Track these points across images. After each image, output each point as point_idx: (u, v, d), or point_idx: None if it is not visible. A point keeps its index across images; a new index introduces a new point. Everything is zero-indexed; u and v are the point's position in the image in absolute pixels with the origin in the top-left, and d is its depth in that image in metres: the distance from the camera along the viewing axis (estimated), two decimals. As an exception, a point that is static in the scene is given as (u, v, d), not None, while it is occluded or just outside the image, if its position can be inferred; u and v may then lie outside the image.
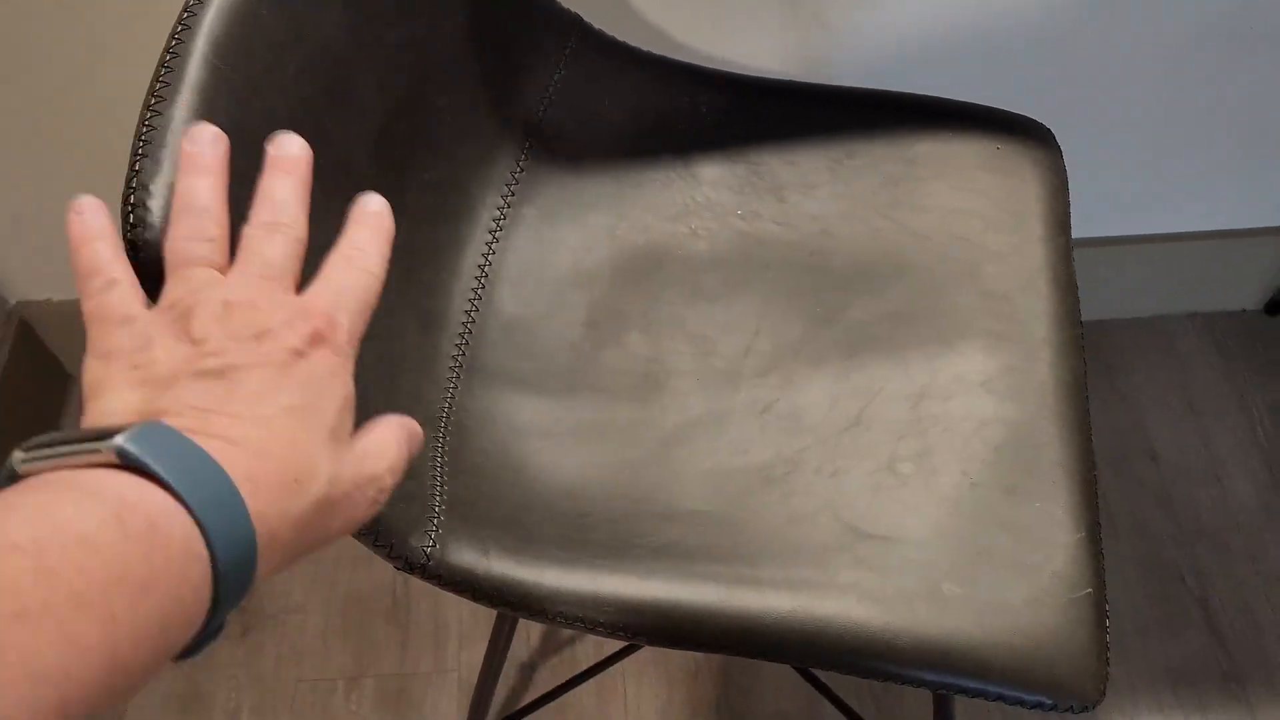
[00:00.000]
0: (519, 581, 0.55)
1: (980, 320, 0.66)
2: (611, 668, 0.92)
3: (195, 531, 0.30)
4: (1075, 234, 0.72)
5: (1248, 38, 0.94)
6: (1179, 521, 1.14)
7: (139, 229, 0.42)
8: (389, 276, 0.42)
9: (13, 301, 1.13)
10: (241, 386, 0.35)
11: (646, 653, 1.04)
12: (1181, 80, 0.98)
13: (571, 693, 0.95)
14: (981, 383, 0.63)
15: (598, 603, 0.54)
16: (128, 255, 0.43)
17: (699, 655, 1.06)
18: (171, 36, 0.47)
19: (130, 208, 0.43)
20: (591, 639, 1.06)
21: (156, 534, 0.29)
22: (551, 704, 0.94)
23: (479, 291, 0.67)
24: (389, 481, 0.39)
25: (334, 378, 0.37)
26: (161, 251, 0.40)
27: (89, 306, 0.38)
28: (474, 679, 1.03)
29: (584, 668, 0.92)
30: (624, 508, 0.60)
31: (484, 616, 1.08)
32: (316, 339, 0.37)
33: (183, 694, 1.04)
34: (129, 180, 0.43)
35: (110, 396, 0.35)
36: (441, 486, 0.58)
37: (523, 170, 0.71)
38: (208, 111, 0.45)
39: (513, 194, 0.70)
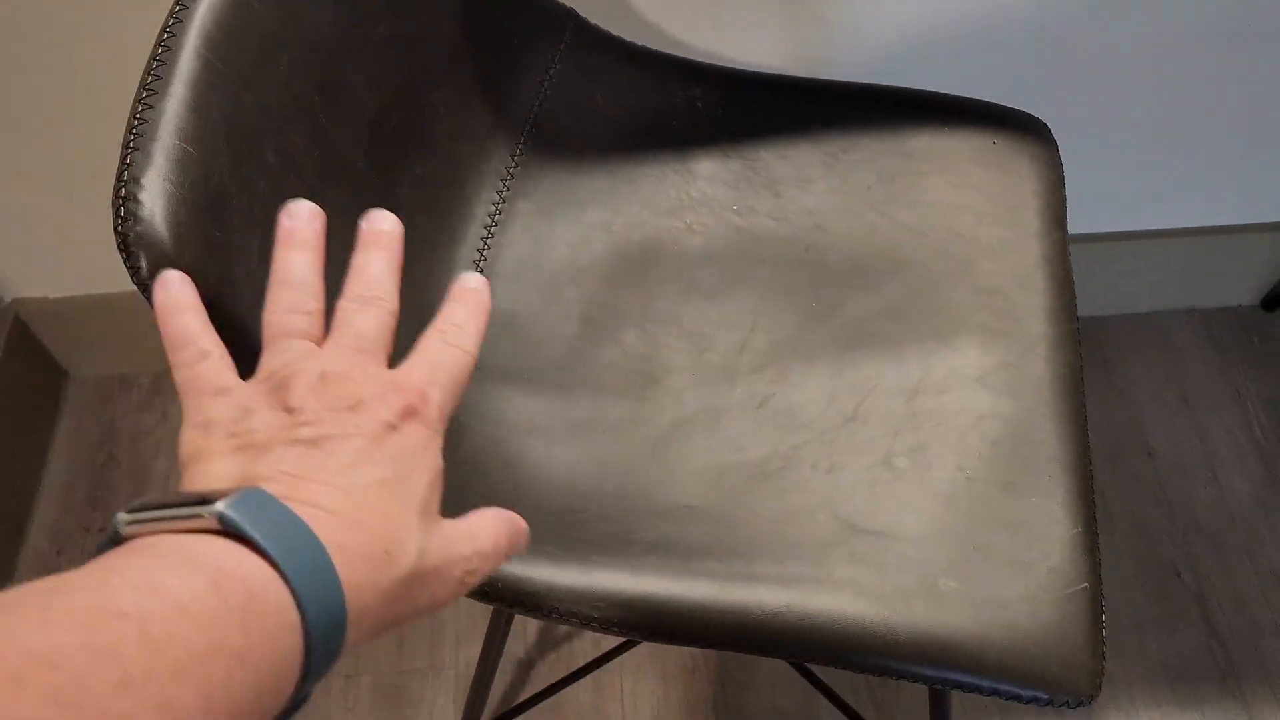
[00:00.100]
0: (514, 577, 0.55)
1: (976, 315, 0.66)
2: (608, 664, 0.92)
3: (290, 601, 0.30)
4: (1072, 229, 0.72)
5: (1247, 36, 0.94)
6: (1175, 517, 1.14)
7: (129, 223, 0.42)
8: None
9: (8, 299, 1.13)
10: (335, 456, 0.35)
11: (643, 649, 1.04)
12: (1180, 78, 0.98)
13: (568, 689, 0.95)
14: (977, 378, 0.63)
15: (592, 598, 0.54)
16: (119, 251, 0.43)
17: (696, 651, 1.05)
18: (163, 30, 0.46)
19: (121, 201, 0.43)
20: (588, 636, 1.06)
21: (254, 603, 0.29)
22: (548, 700, 0.94)
23: (474, 287, 0.67)
24: (477, 565, 0.39)
25: (425, 452, 0.38)
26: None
27: (182, 377, 0.39)
28: (470, 676, 1.03)
29: (581, 664, 0.92)
30: (619, 504, 0.59)
31: (480, 613, 1.08)
32: (409, 413, 0.38)
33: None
34: (120, 174, 0.43)
35: (209, 463, 0.36)
36: (436, 482, 0.57)
37: (517, 165, 0.71)
38: (199, 105, 0.45)
39: (507, 189, 0.70)
